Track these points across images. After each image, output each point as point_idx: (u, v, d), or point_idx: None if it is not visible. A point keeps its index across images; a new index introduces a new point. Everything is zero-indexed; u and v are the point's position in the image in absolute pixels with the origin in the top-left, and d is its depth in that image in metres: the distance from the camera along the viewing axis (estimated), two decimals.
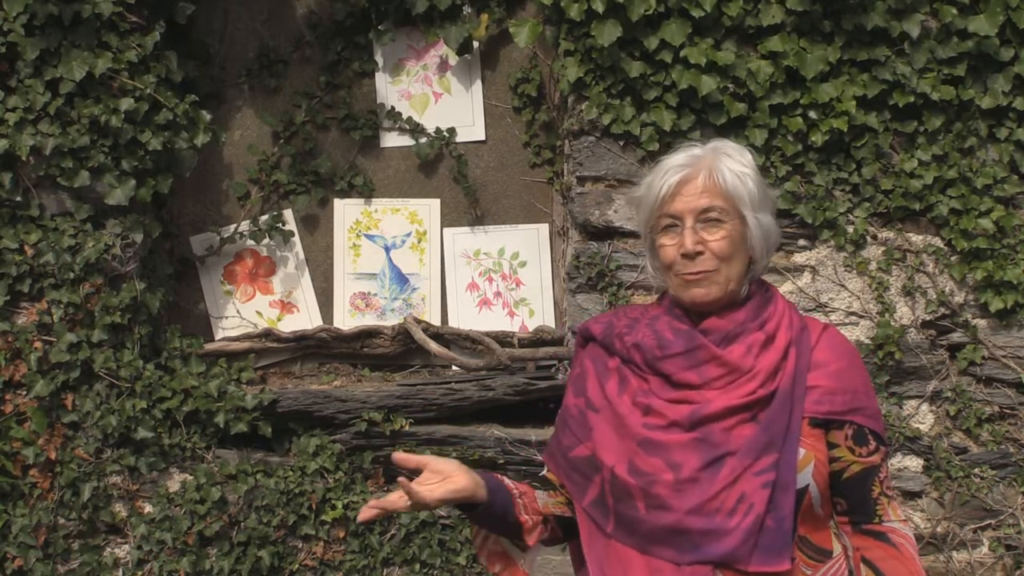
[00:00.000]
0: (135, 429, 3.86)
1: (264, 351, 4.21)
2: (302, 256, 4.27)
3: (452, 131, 4.19)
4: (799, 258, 3.96)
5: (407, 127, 4.20)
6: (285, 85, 4.23)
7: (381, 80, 4.22)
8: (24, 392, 3.83)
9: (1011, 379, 3.96)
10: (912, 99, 3.83)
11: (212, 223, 4.22)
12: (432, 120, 4.21)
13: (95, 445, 3.89)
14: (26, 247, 3.79)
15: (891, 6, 3.78)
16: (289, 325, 4.24)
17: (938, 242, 3.94)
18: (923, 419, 3.99)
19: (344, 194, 4.25)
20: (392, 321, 4.22)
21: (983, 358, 3.95)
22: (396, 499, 1.88)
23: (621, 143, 3.91)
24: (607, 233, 3.94)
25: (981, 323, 3.95)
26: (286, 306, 4.27)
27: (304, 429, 4.02)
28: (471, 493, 1.91)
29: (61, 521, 3.89)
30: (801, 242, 3.95)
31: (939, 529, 3.96)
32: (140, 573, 3.93)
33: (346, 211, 4.26)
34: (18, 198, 3.78)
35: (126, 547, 3.96)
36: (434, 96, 4.23)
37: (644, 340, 1.97)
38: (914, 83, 3.81)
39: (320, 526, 3.98)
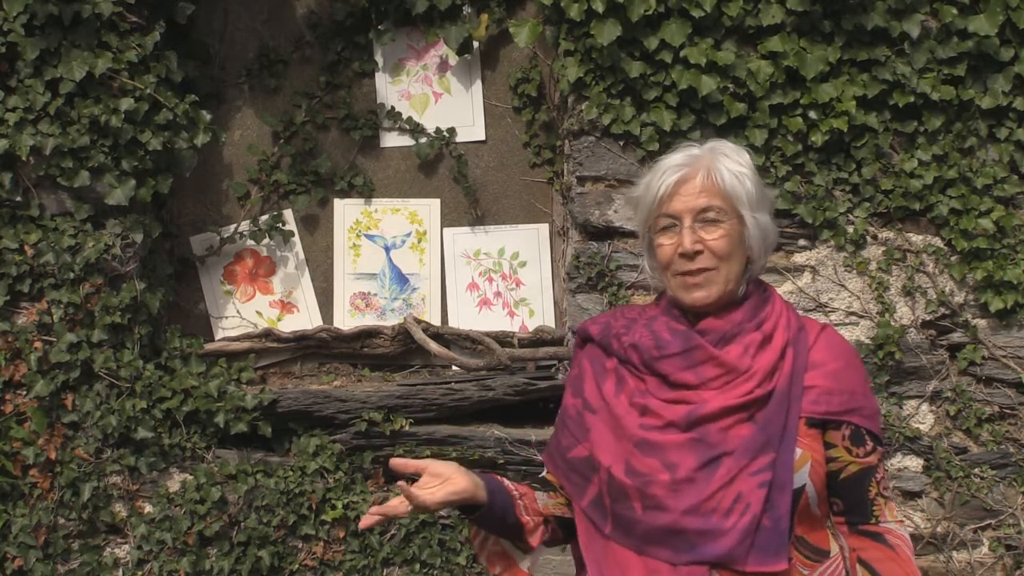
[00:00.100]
0: (135, 429, 3.86)
1: (264, 351, 4.21)
2: (302, 256, 4.27)
3: (452, 131, 4.19)
4: (799, 258, 3.96)
5: (407, 127, 4.20)
6: (285, 85, 4.23)
7: (381, 80, 4.22)
8: (24, 392, 3.83)
9: (1011, 379, 3.96)
10: (912, 99, 3.82)
11: (212, 223, 4.22)
12: (432, 120, 4.21)
13: (95, 445, 3.89)
14: (26, 247, 3.79)
15: (891, 6, 3.78)
16: (289, 325, 4.24)
17: (938, 242, 3.94)
18: (923, 419, 3.99)
19: (344, 194, 4.25)
20: (392, 321, 4.22)
21: (983, 358, 3.95)
22: (397, 504, 1.88)
23: (621, 143, 3.91)
24: (607, 233, 3.94)
25: (981, 323, 3.95)
26: (286, 306, 4.27)
27: (304, 429, 4.02)
28: (471, 494, 1.92)
29: (61, 521, 3.90)
30: (801, 242, 3.94)
31: (939, 529, 3.96)
32: (140, 573, 3.93)
33: (346, 211, 4.26)
34: (18, 198, 3.78)
35: (126, 547, 3.96)
36: (434, 96, 4.23)
37: (641, 340, 1.97)
38: (914, 83, 3.81)
39: (320, 526, 3.98)
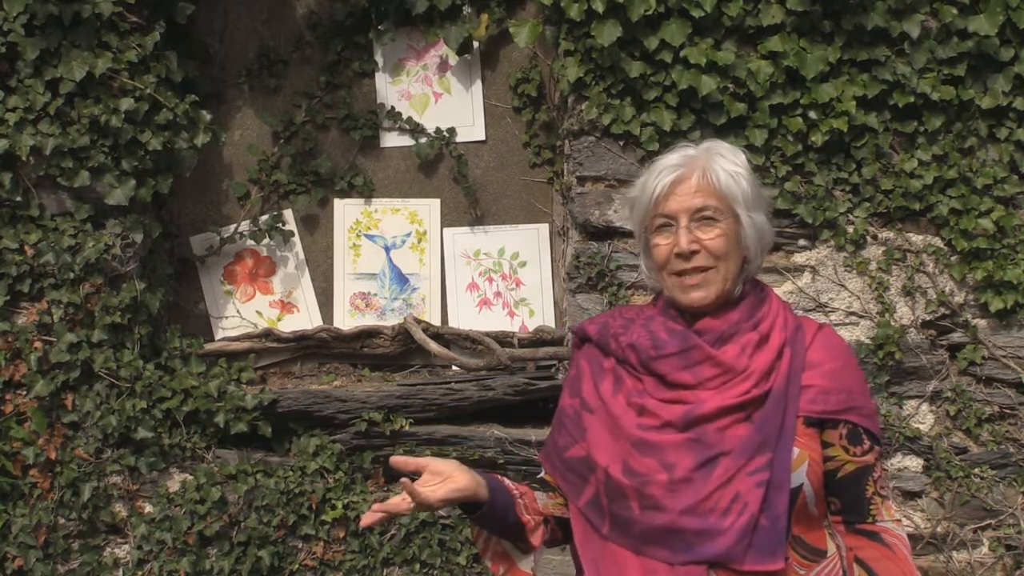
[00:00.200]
0: (135, 429, 3.86)
1: (264, 351, 4.21)
2: (302, 256, 4.27)
3: (452, 131, 4.19)
4: (799, 258, 3.96)
5: (407, 127, 4.20)
6: (285, 85, 4.23)
7: (381, 80, 4.22)
8: (24, 392, 3.83)
9: (1011, 379, 3.96)
10: (912, 99, 3.82)
11: (212, 223, 4.22)
12: (432, 120, 4.21)
13: (95, 445, 3.89)
14: (26, 247, 3.79)
15: (891, 6, 3.78)
16: (289, 325, 4.24)
17: (938, 242, 3.94)
18: (923, 419, 3.99)
19: (344, 194, 4.25)
20: (392, 321, 4.22)
21: (983, 358, 3.95)
22: (399, 502, 1.88)
23: (621, 143, 3.91)
24: (607, 233, 3.94)
25: (981, 323, 3.95)
26: (286, 306, 4.27)
27: (304, 429, 4.02)
28: (472, 492, 1.92)
29: (61, 521, 3.90)
30: (801, 242, 3.94)
31: (939, 529, 3.96)
32: (140, 573, 3.93)
33: (346, 211, 4.26)
34: (18, 198, 3.78)
35: (126, 547, 3.96)
36: (434, 96, 4.23)
37: (639, 340, 1.97)
38: (914, 83, 3.81)
39: (320, 526, 3.98)
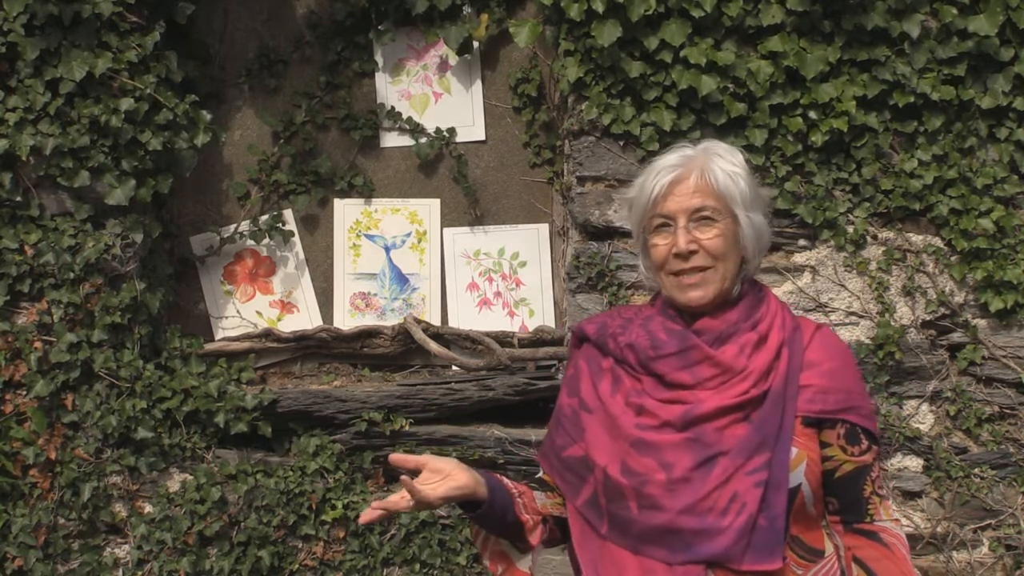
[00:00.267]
0: (135, 429, 3.87)
1: (264, 351, 4.21)
2: (302, 256, 4.27)
3: (452, 131, 4.19)
4: (799, 258, 3.96)
5: (407, 127, 4.20)
6: (285, 85, 4.23)
7: (381, 80, 4.22)
8: (24, 392, 3.83)
9: (1011, 379, 3.96)
10: (912, 99, 3.82)
11: (212, 223, 4.22)
12: (432, 120, 4.21)
13: (95, 445, 3.89)
14: (26, 247, 3.79)
15: (891, 6, 3.78)
16: (289, 325, 4.24)
17: (938, 242, 3.94)
18: (923, 419, 3.99)
19: (344, 194, 4.25)
20: (392, 321, 4.22)
21: (983, 358, 3.94)
22: (398, 499, 1.88)
23: (621, 143, 3.90)
24: (607, 233, 3.94)
25: (981, 323, 3.95)
26: (286, 306, 4.27)
27: (304, 429, 4.03)
28: (472, 490, 1.92)
29: (61, 521, 3.90)
30: (801, 242, 3.94)
31: (939, 529, 3.96)
32: (140, 573, 3.93)
33: (346, 211, 4.26)
34: (18, 198, 3.78)
35: (126, 547, 3.96)
36: (434, 96, 4.23)
37: (638, 340, 1.98)
38: (914, 83, 3.81)
39: (320, 526, 3.98)
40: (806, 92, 3.82)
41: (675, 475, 1.86)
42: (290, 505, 3.95)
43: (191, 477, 3.97)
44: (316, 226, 4.28)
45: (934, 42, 3.82)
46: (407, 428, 3.98)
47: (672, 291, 1.98)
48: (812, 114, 3.82)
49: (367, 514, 1.87)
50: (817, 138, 3.83)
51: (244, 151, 4.21)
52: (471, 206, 4.23)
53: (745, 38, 3.85)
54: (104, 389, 3.87)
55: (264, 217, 4.19)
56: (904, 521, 3.92)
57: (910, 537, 3.90)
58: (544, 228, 4.25)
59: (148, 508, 3.96)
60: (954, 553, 3.97)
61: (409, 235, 4.26)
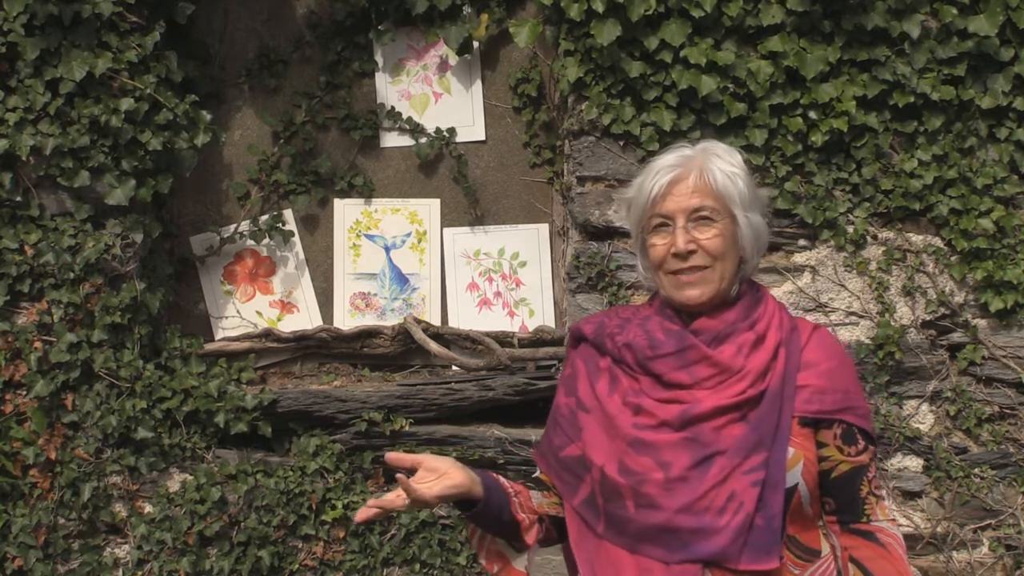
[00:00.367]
0: (135, 429, 3.87)
1: (264, 351, 4.21)
2: (302, 256, 4.27)
3: (452, 131, 4.19)
4: (799, 258, 3.95)
5: (407, 127, 4.20)
6: (285, 85, 4.23)
7: (381, 80, 4.22)
8: (24, 392, 3.83)
9: (1011, 379, 3.96)
10: (912, 99, 3.82)
11: (212, 223, 4.22)
12: (432, 120, 4.21)
13: (95, 445, 3.89)
14: (26, 247, 3.79)
15: (891, 6, 3.78)
16: (289, 325, 4.24)
17: (938, 242, 3.94)
18: (923, 419, 3.99)
19: (344, 194, 4.25)
20: (392, 321, 4.22)
21: (983, 358, 3.94)
22: (394, 498, 1.88)
23: (621, 143, 3.90)
24: (607, 233, 3.94)
25: (981, 323, 3.95)
26: (286, 306, 4.27)
27: (304, 429, 4.03)
28: (467, 489, 1.92)
29: (61, 521, 3.90)
30: (801, 242, 3.94)
31: (939, 529, 3.96)
32: (140, 573, 3.94)
33: (346, 211, 4.26)
34: (18, 198, 3.78)
35: (126, 547, 3.97)
36: (434, 96, 4.23)
37: (635, 340, 1.98)
38: (914, 83, 3.81)
39: (320, 526, 3.98)
40: (806, 92, 3.82)
41: (672, 474, 1.87)
42: (290, 505, 3.96)
43: (191, 477, 3.97)
44: (316, 226, 4.28)
45: (934, 42, 3.82)
46: (407, 428, 3.98)
47: (670, 290, 1.98)
48: (812, 114, 3.82)
49: (363, 512, 1.88)
50: (817, 138, 3.83)
51: (244, 151, 4.21)
52: (471, 206, 4.23)
53: (745, 38, 3.85)
54: (104, 389, 3.87)
55: (264, 217, 4.19)
56: (904, 521, 3.92)
57: (910, 537, 3.91)
58: (544, 228, 4.25)
59: (148, 508, 3.97)
60: (954, 553, 3.97)
61: (409, 235, 4.26)
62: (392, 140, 4.24)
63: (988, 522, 3.96)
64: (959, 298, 3.94)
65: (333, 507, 3.96)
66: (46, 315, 3.82)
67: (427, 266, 4.25)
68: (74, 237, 3.81)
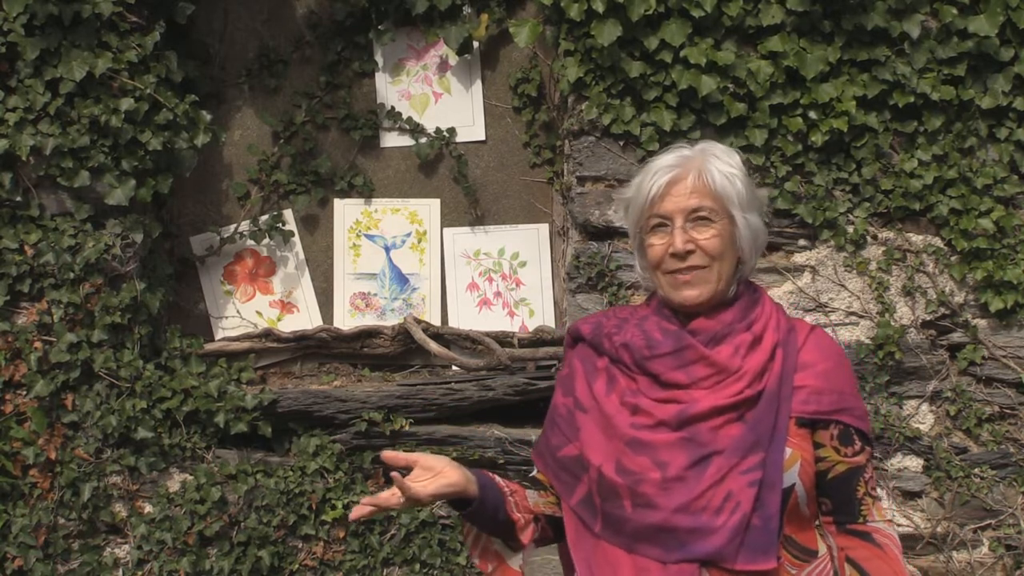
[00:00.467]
0: (135, 429, 3.87)
1: (264, 351, 4.21)
2: (302, 256, 4.27)
3: (452, 131, 4.19)
4: (799, 258, 3.95)
5: (407, 127, 4.20)
6: (285, 85, 4.23)
7: (381, 80, 4.22)
8: (24, 392, 3.83)
9: (1011, 379, 3.96)
10: (912, 99, 3.82)
11: (212, 223, 4.22)
12: (432, 120, 4.21)
13: (95, 445, 3.89)
14: (26, 247, 3.79)
15: (891, 6, 3.78)
16: (289, 325, 4.24)
17: (938, 242, 3.94)
18: (923, 419, 3.99)
19: (344, 194, 4.25)
20: (392, 321, 4.22)
21: (983, 358, 3.94)
22: (389, 496, 1.88)
23: (621, 143, 3.90)
24: (607, 233, 3.94)
25: (981, 323, 3.95)
26: (286, 306, 4.27)
27: (304, 429, 4.03)
28: (463, 488, 1.92)
29: (61, 521, 3.90)
30: (801, 242, 3.94)
31: (939, 529, 3.96)
32: (140, 573, 3.94)
33: (346, 211, 4.26)
34: (18, 198, 3.78)
35: (126, 547, 3.97)
36: (434, 96, 4.23)
37: (633, 340, 1.98)
38: (914, 83, 3.81)
39: (320, 526, 3.98)
40: (806, 92, 3.82)
41: (669, 474, 1.87)
42: (290, 505, 3.96)
43: (191, 477, 3.97)
44: (316, 226, 4.28)
45: (934, 42, 3.82)
46: (407, 428, 3.98)
47: (667, 290, 1.99)
48: (812, 114, 3.82)
49: (357, 510, 1.88)
50: (817, 138, 3.83)
51: (244, 151, 4.22)
52: (471, 206, 4.24)
53: (745, 38, 3.85)
54: (104, 389, 3.87)
55: (264, 217, 4.19)
56: (904, 521, 3.92)
57: (910, 537, 3.90)
58: (544, 228, 4.25)
59: (148, 508, 3.97)
60: (954, 553, 3.96)
61: (409, 235, 4.26)
62: (392, 140, 4.24)
63: (988, 522, 3.96)
64: (959, 298, 3.94)
65: (333, 507, 3.96)
66: (46, 315, 3.82)
67: (427, 266, 4.25)
68: (74, 237, 3.81)
